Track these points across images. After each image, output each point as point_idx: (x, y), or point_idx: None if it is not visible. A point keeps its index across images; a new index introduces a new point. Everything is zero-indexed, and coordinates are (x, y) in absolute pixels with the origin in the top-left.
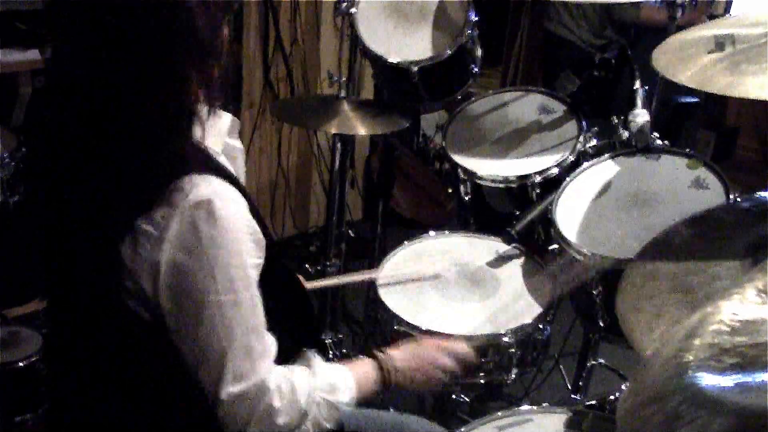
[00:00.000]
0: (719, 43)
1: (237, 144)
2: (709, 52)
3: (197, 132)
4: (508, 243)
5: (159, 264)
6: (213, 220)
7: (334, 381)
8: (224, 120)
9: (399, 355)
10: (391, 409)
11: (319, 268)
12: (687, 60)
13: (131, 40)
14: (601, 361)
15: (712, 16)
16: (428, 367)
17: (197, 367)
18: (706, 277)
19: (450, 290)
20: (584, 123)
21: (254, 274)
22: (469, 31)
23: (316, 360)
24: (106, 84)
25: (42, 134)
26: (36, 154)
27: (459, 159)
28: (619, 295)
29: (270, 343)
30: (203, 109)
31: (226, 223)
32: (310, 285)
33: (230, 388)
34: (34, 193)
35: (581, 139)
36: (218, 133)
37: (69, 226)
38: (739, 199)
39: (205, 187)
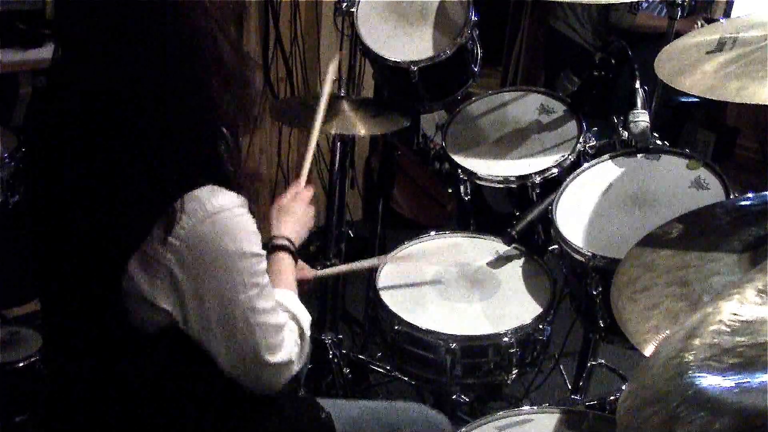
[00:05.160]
0: (720, 44)
1: None
2: (708, 53)
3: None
4: (508, 243)
5: (176, 271)
6: (228, 227)
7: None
8: None
9: (288, 229)
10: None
11: (319, 268)
12: (688, 66)
13: (157, 45)
14: (601, 361)
15: (709, 20)
16: (304, 222)
17: (230, 354)
18: (703, 271)
19: (450, 290)
20: (584, 123)
21: (265, 264)
22: (469, 31)
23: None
24: (131, 86)
25: (50, 134)
26: (41, 155)
27: (459, 159)
28: (614, 285)
29: (281, 317)
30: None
31: (240, 230)
32: (320, 273)
33: (270, 359)
34: (37, 194)
35: (581, 139)
36: None
37: (76, 231)
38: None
39: (219, 197)
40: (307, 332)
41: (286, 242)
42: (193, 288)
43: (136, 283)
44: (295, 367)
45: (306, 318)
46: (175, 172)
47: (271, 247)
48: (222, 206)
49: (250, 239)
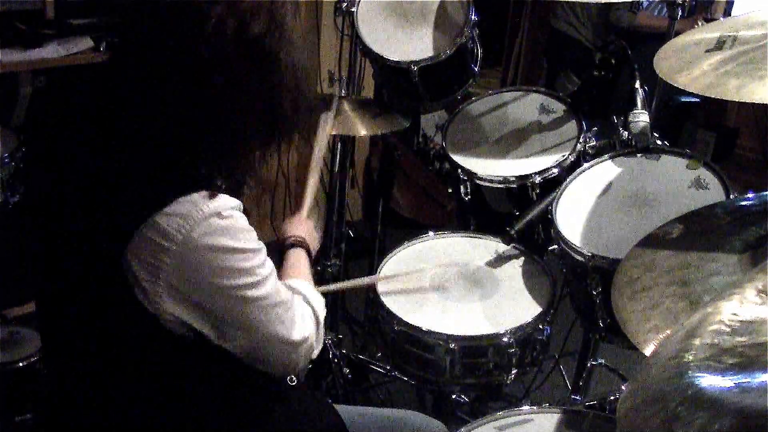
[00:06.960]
0: (720, 42)
1: None
2: (707, 51)
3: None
4: (508, 243)
5: (175, 274)
6: (228, 228)
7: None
8: None
9: (301, 233)
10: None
11: (318, 268)
12: (688, 63)
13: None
14: (601, 361)
15: (709, 20)
16: (313, 238)
17: (244, 340)
18: (703, 271)
19: (449, 290)
20: (584, 123)
21: (264, 256)
22: (469, 31)
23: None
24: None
25: (55, 134)
26: (44, 154)
27: (459, 159)
28: (614, 285)
29: (285, 294)
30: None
31: (238, 230)
32: (321, 290)
33: (285, 335)
34: (39, 193)
35: (581, 139)
36: None
37: (75, 229)
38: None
39: (217, 200)
40: (321, 314)
41: (299, 239)
42: (195, 289)
43: (140, 288)
44: (315, 346)
45: (318, 301)
46: (180, 173)
47: (286, 244)
48: (217, 208)
49: (247, 236)
